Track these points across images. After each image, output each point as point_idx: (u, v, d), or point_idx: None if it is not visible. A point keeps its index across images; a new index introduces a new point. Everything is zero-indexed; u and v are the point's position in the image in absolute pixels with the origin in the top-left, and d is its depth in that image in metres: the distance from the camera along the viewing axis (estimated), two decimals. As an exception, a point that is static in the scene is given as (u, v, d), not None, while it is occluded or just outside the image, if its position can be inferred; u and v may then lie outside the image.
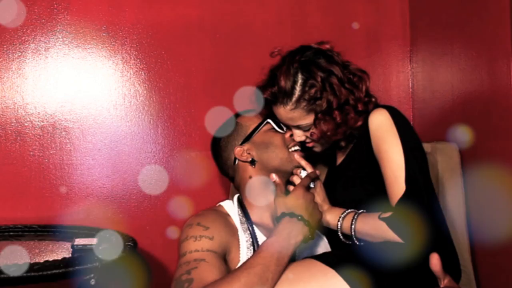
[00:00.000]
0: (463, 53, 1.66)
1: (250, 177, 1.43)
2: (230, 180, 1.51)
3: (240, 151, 1.42)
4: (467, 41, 1.65)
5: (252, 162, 1.42)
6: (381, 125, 1.35)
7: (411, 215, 1.24)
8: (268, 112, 1.46)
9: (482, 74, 1.56)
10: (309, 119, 1.39)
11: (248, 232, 1.34)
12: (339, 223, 1.36)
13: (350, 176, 1.44)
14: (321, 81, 1.35)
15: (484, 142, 1.56)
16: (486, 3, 1.53)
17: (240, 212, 1.40)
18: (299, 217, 1.22)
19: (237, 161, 1.44)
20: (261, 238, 1.34)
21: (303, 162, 1.42)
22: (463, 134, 1.58)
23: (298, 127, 1.42)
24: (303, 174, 1.42)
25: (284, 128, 1.45)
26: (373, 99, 1.43)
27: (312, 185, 1.41)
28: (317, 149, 1.47)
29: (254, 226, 1.37)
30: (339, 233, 1.37)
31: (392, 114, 1.35)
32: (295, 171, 1.43)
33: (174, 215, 1.88)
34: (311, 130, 1.41)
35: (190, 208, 1.85)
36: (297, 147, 1.46)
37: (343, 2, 2.04)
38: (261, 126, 1.44)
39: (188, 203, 1.89)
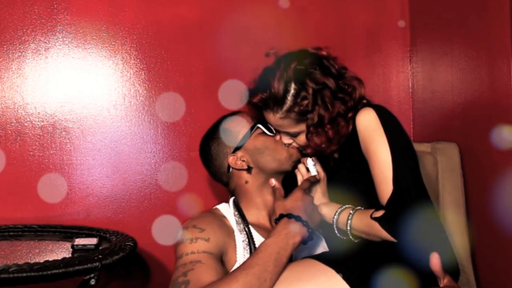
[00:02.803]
0: (463, 53, 1.66)
1: (246, 182, 1.43)
2: (224, 185, 1.50)
3: (234, 159, 1.41)
4: (467, 41, 1.65)
5: (249, 169, 1.42)
6: (367, 125, 1.33)
7: (401, 215, 1.24)
8: (255, 115, 1.45)
9: (482, 74, 1.56)
10: (298, 128, 1.37)
11: (244, 232, 1.34)
12: (335, 217, 1.35)
13: (342, 175, 1.43)
14: (313, 93, 1.32)
15: (484, 142, 1.56)
16: (486, 3, 1.53)
17: (236, 213, 1.40)
18: (297, 218, 1.22)
19: (231, 169, 1.43)
20: (257, 238, 1.34)
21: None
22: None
23: (287, 133, 1.41)
24: (309, 162, 1.41)
25: (274, 131, 1.44)
26: (364, 101, 1.40)
27: (315, 173, 1.40)
28: (305, 152, 1.47)
29: (250, 226, 1.37)
30: (334, 227, 1.36)
31: (378, 113, 1.33)
32: (302, 160, 1.42)
33: (174, 215, 1.87)
34: (305, 144, 1.39)
35: (190, 208, 1.86)
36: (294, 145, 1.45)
37: (343, 2, 2.04)
38: (252, 132, 1.43)
39: (188, 203, 1.89)
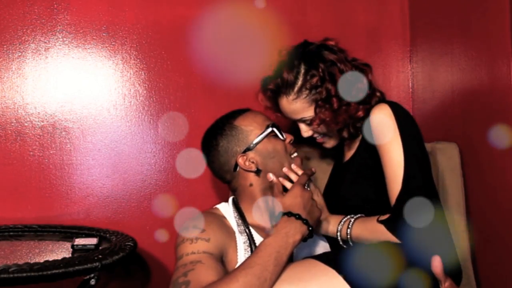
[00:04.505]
0: (463, 53, 1.66)
1: (251, 184, 1.40)
2: (225, 182, 1.48)
3: (243, 160, 1.39)
4: (467, 41, 1.65)
5: (257, 172, 1.39)
6: (381, 121, 1.33)
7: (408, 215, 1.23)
8: (270, 105, 1.47)
9: (482, 74, 1.56)
10: (311, 111, 1.40)
11: (245, 234, 1.33)
12: (338, 232, 1.35)
13: (357, 172, 1.43)
14: (322, 71, 1.37)
15: (484, 142, 1.55)
16: (486, 3, 1.52)
17: (236, 214, 1.39)
18: (297, 216, 1.21)
19: (238, 168, 1.41)
20: (258, 239, 1.33)
21: (298, 170, 1.41)
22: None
23: (302, 120, 1.42)
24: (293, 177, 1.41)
25: (284, 135, 1.44)
26: (378, 94, 1.43)
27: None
28: (328, 145, 1.47)
29: (250, 228, 1.36)
30: (339, 240, 1.36)
31: (394, 110, 1.33)
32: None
33: (174, 215, 1.87)
34: (323, 131, 1.42)
35: (190, 208, 1.85)
36: (296, 153, 1.45)
37: (343, 2, 2.04)
38: (267, 134, 1.40)
39: (188, 203, 1.89)
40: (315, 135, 1.47)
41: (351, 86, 1.39)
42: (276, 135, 1.42)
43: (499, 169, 1.48)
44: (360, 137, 1.46)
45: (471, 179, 1.62)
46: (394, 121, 1.32)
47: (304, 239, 1.21)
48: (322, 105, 1.38)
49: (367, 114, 1.39)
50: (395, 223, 1.24)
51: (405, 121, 1.33)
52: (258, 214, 1.40)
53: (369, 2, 2.05)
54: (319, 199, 1.42)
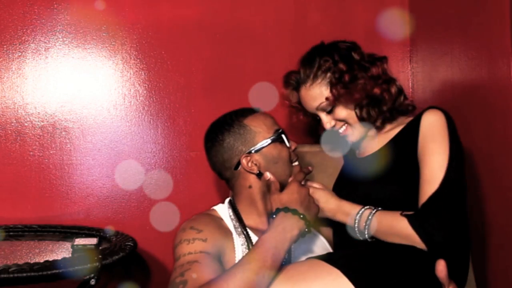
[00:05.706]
0: (463, 53, 1.66)
1: (250, 186, 1.38)
2: (224, 180, 1.45)
3: (247, 161, 1.36)
4: (467, 41, 1.65)
5: (259, 175, 1.37)
6: (434, 124, 1.35)
7: (436, 215, 1.24)
8: (292, 98, 1.54)
9: (482, 74, 1.56)
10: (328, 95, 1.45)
11: (243, 235, 1.33)
12: (356, 224, 1.34)
13: (386, 172, 1.40)
14: (336, 55, 1.46)
15: (484, 142, 1.56)
16: (486, 3, 1.52)
17: (233, 216, 1.38)
18: (294, 211, 1.21)
19: (239, 168, 1.39)
20: (255, 240, 1.33)
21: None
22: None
23: (321, 108, 1.45)
24: None
25: (290, 143, 1.42)
26: (397, 83, 1.49)
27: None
28: (352, 137, 1.47)
29: (248, 229, 1.35)
30: (356, 230, 1.35)
31: (446, 117, 1.36)
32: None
33: (173, 215, 1.87)
34: (344, 118, 1.45)
35: (190, 208, 1.85)
36: (297, 162, 1.44)
37: (343, 2, 2.04)
38: (276, 138, 1.38)
39: (187, 203, 1.89)
40: (337, 127, 1.46)
41: None
42: (282, 141, 1.40)
43: (499, 169, 1.48)
44: (387, 132, 1.47)
45: (471, 179, 1.62)
46: (446, 126, 1.35)
47: (302, 234, 1.21)
48: (336, 82, 1.43)
49: (416, 118, 1.41)
50: (420, 220, 1.24)
51: (453, 128, 1.36)
52: (255, 216, 1.40)
53: (369, 2, 2.05)
54: (328, 190, 1.43)
